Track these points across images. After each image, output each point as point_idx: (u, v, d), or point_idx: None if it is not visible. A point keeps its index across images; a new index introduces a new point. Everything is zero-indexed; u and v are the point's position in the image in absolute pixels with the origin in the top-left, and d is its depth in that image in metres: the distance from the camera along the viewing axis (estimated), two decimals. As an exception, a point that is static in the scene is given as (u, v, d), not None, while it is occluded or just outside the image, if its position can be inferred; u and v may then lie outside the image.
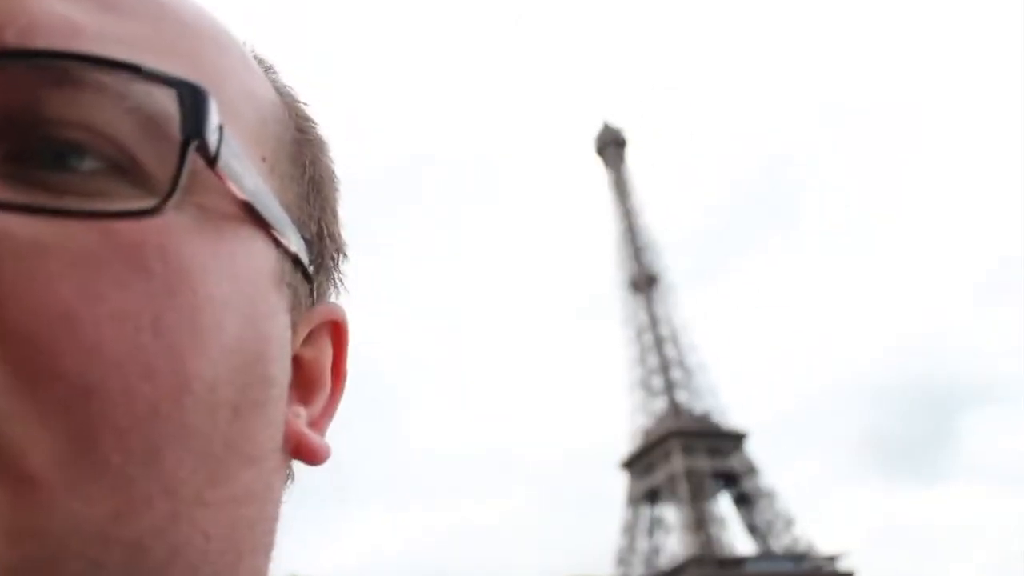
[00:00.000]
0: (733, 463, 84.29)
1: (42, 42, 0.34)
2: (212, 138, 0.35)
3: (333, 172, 0.49)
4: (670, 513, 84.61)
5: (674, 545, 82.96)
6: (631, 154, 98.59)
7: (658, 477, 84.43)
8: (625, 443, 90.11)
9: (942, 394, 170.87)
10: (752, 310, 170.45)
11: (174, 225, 0.35)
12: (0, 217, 0.32)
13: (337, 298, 0.48)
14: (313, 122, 0.49)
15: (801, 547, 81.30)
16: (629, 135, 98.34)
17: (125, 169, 0.35)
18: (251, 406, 0.38)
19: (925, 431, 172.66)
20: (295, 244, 0.42)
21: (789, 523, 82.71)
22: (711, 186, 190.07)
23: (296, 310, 0.43)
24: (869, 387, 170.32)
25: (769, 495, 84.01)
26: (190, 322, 0.35)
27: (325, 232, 0.47)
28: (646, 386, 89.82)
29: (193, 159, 0.35)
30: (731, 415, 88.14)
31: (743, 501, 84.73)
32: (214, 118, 0.35)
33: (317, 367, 0.46)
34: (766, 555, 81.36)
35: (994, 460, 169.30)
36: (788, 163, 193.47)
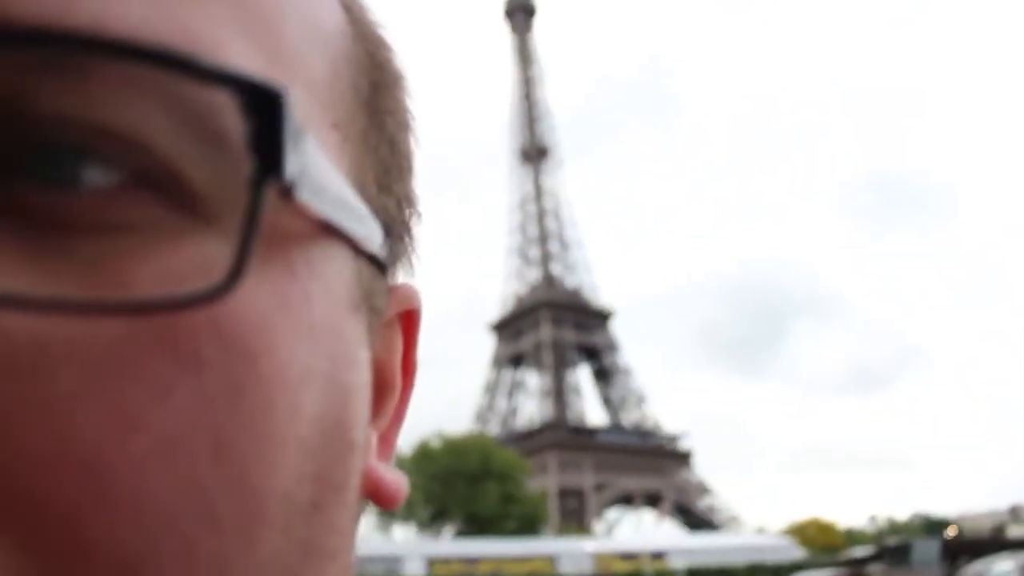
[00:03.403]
0: (597, 339, 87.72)
1: (31, 11, 0.22)
2: (292, 167, 0.24)
3: (412, 116, 0.37)
4: (531, 378, 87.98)
5: (531, 408, 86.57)
6: (538, 23, 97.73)
7: (525, 343, 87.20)
8: (495, 307, 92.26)
9: (778, 302, 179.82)
10: (626, 193, 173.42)
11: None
12: None
13: (411, 272, 0.38)
14: (390, 50, 0.36)
15: (648, 424, 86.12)
16: (538, 3, 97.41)
17: (159, 182, 0.24)
18: (333, 492, 0.29)
19: (758, 333, 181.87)
20: (375, 242, 0.32)
21: (640, 401, 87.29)
22: (607, 65, 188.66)
23: (374, 330, 0.33)
24: (716, 285, 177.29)
25: (626, 372, 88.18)
26: (262, 425, 0.25)
27: (403, 201, 0.36)
28: (523, 255, 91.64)
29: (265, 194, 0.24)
30: (600, 293, 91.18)
31: (601, 375, 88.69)
32: (293, 134, 0.24)
33: (387, 369, 0.36)
34: (616, 428, 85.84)
35: (807, 367, 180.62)
36: (681, 60, 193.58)
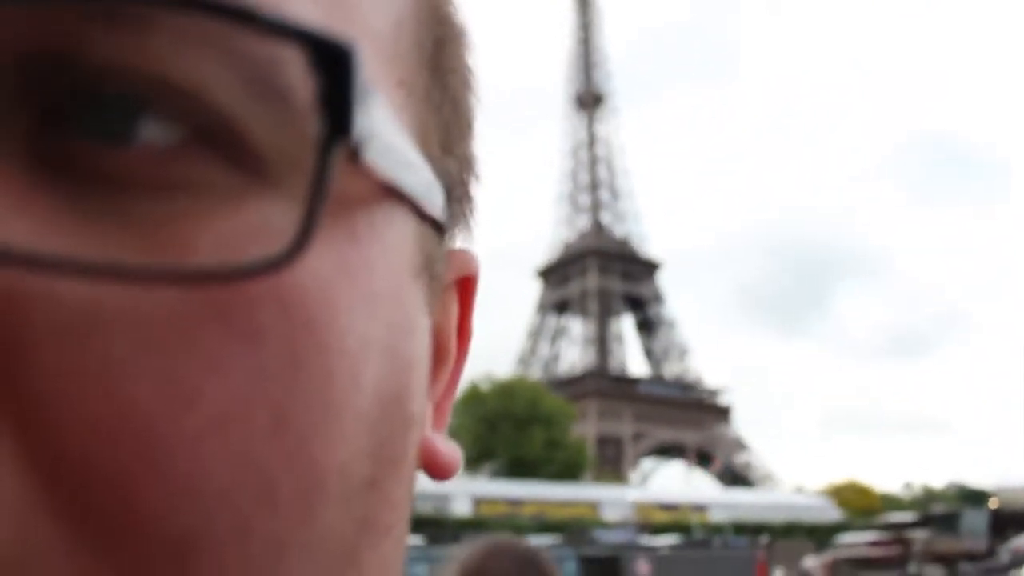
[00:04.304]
0: (642, 289, 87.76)
1: None
2: (360, 127, 0.22)
3: (473, 74, 0.35)
4: (575, 326, 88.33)
5: (573, 355, 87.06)
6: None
7: (571, 290, 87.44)
8: (539, 252, 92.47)
9: (822, 262, 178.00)
10: (670, 143, 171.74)
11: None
12: (31, 279, 0.20)
13: (469, 237, 0.36)
14: (452, 4, 0.34)
15: (690, 377, 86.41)
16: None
17: (220, 140, 0.22)
18: (391, 466, 0.28)
19: (800, 291, 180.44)
20: (438, 205, 0.30)
21: (683, 353, 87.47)
22: (657, 13, 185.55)
23: (434, 295, 0.32)
24: (761, 242, 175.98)
25: (670, 324, 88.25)
26: (321, 398, 0.24)
27: (463, 163, 0.34)
28: (573, 202, 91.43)
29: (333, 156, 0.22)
30: (647, 244, 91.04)
31: (645, 326, 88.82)
32: (361, 92, 0.22)
33: (443, 335, 0.35)
34: (658, 379, 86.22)
35: (848, 329, 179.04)
36: (734, 10, 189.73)
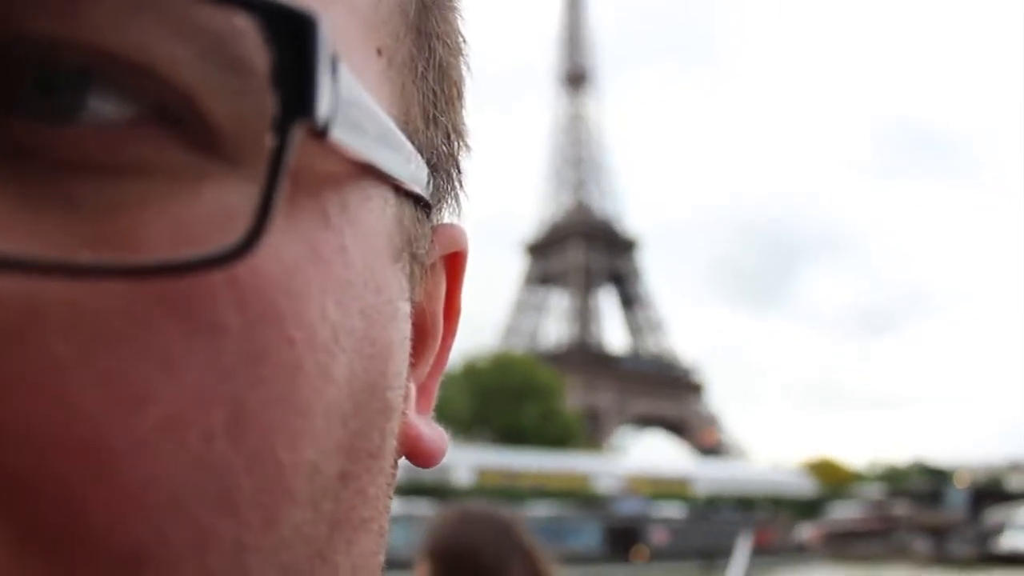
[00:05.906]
0: (623, 266, 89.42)
1: None
2: (326, 103, 0.21)
3: (463, 40, 0.33)
4: (557, 300, 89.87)
5: (555, 329, 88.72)
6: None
7: (555, 265, 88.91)
8: (517, 226, 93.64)
9: (792, 240, 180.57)
10: (641, 119, 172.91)
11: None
12: None
13: (458, 211, 0.34)
14: None
15: (666, 354, 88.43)
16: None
17: (176, 118, 0.21)
18: (366, 460, 0.27)
19: (770, 268, 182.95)
20: (420, 181, 0.29)
21: (660, 329, 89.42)
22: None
23: (415, 277, 0.30)
24: (731, 219, 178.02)
25: (648, 300, 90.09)
26: (287, 393, 0.22)
27: (451, 133, 0.33)
28: (560, 178, 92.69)
29: (295, 135, 0.21)
30: (629, 221, 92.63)
31: (624, 302, 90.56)
32: (327, 65, 0.21)
33: (428, 315, 0.33)
34: (636, 355, 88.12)
35: (816, 306, 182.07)
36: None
